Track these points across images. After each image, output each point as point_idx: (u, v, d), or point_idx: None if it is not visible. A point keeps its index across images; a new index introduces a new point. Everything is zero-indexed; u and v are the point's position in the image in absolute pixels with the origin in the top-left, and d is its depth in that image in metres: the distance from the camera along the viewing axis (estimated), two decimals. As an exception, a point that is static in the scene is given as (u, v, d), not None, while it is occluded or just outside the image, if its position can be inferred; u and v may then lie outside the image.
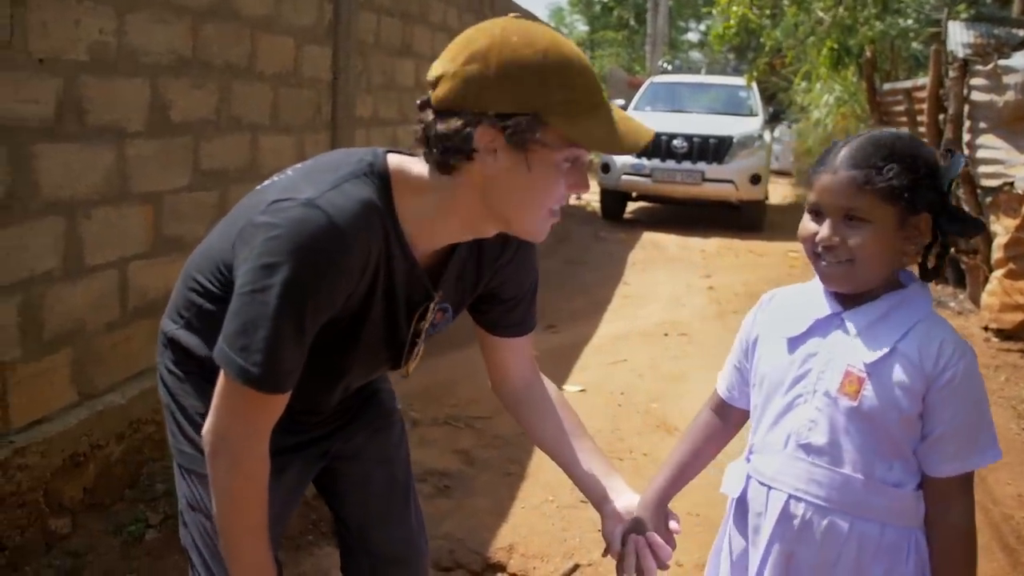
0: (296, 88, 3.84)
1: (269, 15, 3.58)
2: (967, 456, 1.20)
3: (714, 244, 8.35)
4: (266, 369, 1.07)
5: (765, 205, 9.45)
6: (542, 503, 2.83)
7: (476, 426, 3.41)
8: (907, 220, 1.20)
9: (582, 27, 31.83)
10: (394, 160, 1.17)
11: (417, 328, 1.28)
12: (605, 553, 1.38)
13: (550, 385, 1.49)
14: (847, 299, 1.25)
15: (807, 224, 1.25)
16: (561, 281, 6.08)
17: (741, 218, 9.18)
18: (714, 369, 4.85)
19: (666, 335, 5.01)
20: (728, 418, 1.43)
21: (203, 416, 1.18)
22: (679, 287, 6.39)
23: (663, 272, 6.97)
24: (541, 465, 3.11)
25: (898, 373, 1.19)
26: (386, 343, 1.27)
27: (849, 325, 1.24)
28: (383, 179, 1.15)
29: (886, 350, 1.20)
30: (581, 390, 3.88)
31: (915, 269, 1.29)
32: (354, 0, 4.42)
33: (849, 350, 1.22)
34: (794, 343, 1.28)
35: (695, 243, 8.38)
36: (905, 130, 1.17)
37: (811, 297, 1.30)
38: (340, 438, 1.45)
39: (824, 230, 1.21)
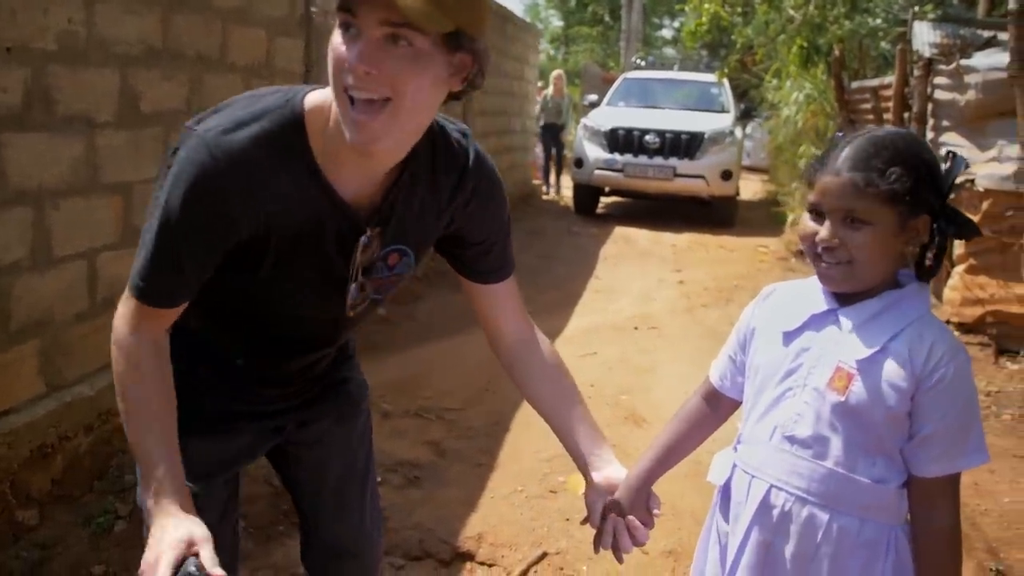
0: (268, 80, 3.83)
1: (241, 7, 3.56)
2: (954, 457, 1.20)
3: (685, 239, 8.44)
4: (146, 285, 1.17)
5: (736, 201, 9.55)
6: (511, 493, 2.87)
7: (447, 418, 3.44)
8: (907, 222, 1.20)
9: (557, 22, 31.87)
10: (314, 97, 1.17)
11: (359, 265, 1.24)
12: (584, 521, 1.41)
13: (547, 345, 1.46)
14: (843, 296, 1.26)
15: (807, 224, 1.25)
16: (533, 275, 6.12)
17: (712, 213, 9.27)
18: (683, 362, 4.92)
19: (636, 328, 5.07)
20: (717, 406, 1.44)
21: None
22: (650, 281, 6.46)
23: (634, 266, 7.04)
24: (511, 456, 3.14)
25: (888, 371, 1.19)
26: (323, 279, 1.25)
27: (844, 321, 1.25)
28: (297, 116, 1.15)
29: (877, 348, 1.20)
30: (551, 382, 3.92)
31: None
32: (327, -8, 4.40)
33: (841, 346, 1.23)
34: (789, 337, 1.29)
35: (666, 238, 8.45)
36: (908, 129, 1.16)
37: (809, 293, 1.30)
38: (296, 418, 1.45)
39: (824, 231, 1.21)
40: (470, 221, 1.34)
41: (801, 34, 9.00)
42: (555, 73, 11.64)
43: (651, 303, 5.79)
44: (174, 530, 1.09)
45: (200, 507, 1.17)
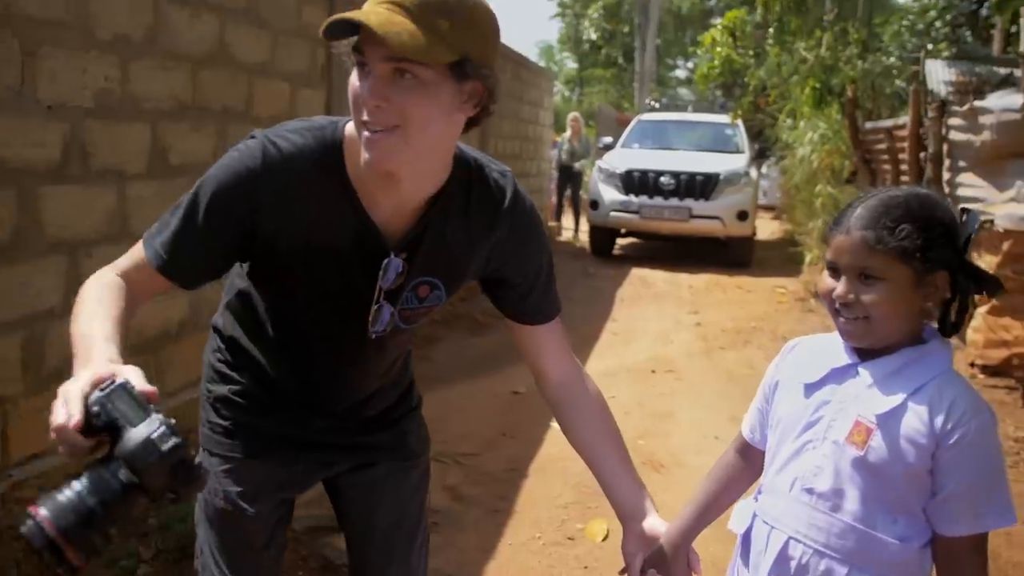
0: (291, 130, 3.94)
1: (265, 61, 3.69)
2: (978, 518, 1.18)
3: (702, 280, 8.46)
4: (156, 243, 1.25)
5: (752, 241, 9.58)
6: (529, 540, 2.88)
7: (464, 463, 3.46)
8: (924, 278, 1.21)
9: (571, 64, 32.32)
10: (352, 126, 1.24)
11: (381, 286, 1.29)
12: (623, 572, 1.42)
13: (592, 387, 1.47)
14: (865, 350, 1.27)
15: (825, 280, 1.27)
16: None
17: (728, 254, 9.30)
18: (701, 406, 4.91)
19: (653, 372, 5.09)
20: (751, 459, 1.44)
21: (222, 402, 1.39)
22: (667, 323, 6.48)
23: (651, 308, 7.07)
24: (529, 502, 3.16)
25: (907, 427, 1.19)
26: (346, 294, 1.30)
27: (864, 375, 1.25)
28: (337, 139, 1.24)
29: (897, 403, 1.20)
30: (569, 425, 3.94)
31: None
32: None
33: (861, 400, 1.24)
34: (810, 389, 1.30)
35: (683, 279, 8.49)
36: (924, 189, 1.18)
37: (831, 347, 1.32)
38: (351, 459, 1.49)
39: (840, 287, 1.23)
40: (508, 261, 1.37)
41: (814, 75, 9.12)
42: (571, 115, 11.78)
43: (668, 345, 5.81)
44: (95, 367, 0.99)
45: (248, 528, 1.21)
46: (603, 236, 9.72)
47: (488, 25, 1.16)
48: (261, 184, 1.21)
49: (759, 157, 10.94)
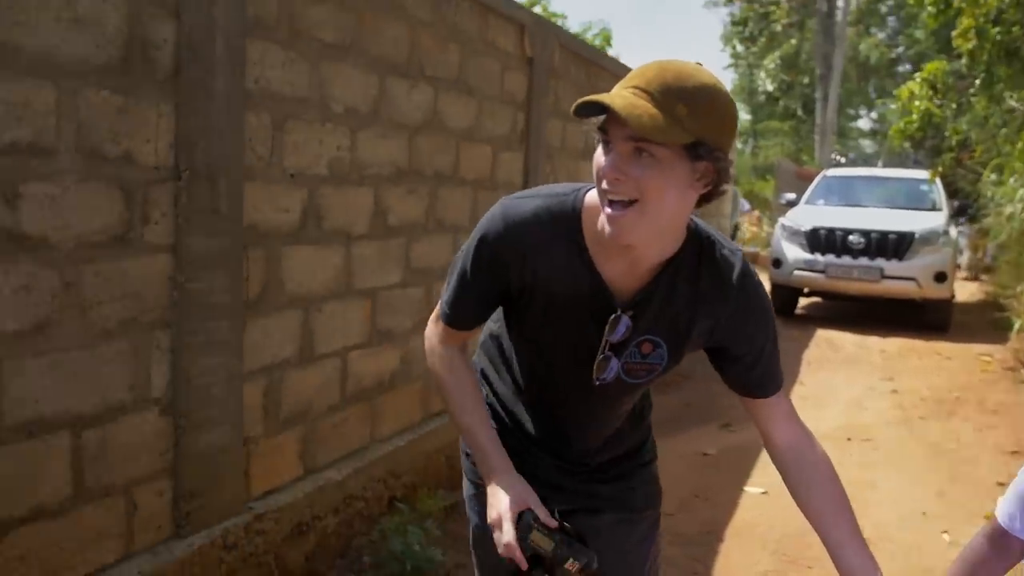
0: (492, 191, 4.15)
1: (471, 126, 3.92)
2: None
3: (895, 344, 7.99)
4: (450, 311, 1.49)
5: (951, 304, 8.96)
6: (728, 607, 2.82)
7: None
8: None
9: (744, 116, 31.74)
10: (592, 196, 1.38)
11: (607, 339, 1.40)
12: None
13: (820, 454, 1.48)
14: None
15: None
16: (733, 377, 6.01)
17: (924, 317, 8.75)
18: (905, 479, 4.65)
19: (849, 440, 4.85)
20: (1006, 548, 1.36)
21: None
22: (858, 389, 6.16)
23: (840, 373, 6.75)
24: (726, 567, 3.09)
25: None
26: (577, 340, 1.42)
27: None
28: (576, 206, 1.39)
29: None
30: (763, 492, 3.83)
31: None
32: (543, 109, 4.74)
33: None
34: None
35: (873, 342, 8.05)
36: None
37: None
38: (575, 503, 1.55)
39: None
40: (732, 335, 1.43)
41: (1025, 128, 8.47)
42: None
43: (862, 412, 5.52)
44: (509, 490, 1.37)
45: (497, 551, 1.38)
46: (785, 295, 9.40)
47: (725, 113, 1.25)
48: (506, 244, 1.38)
49: (957, 215, 10.27)
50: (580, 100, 1.22)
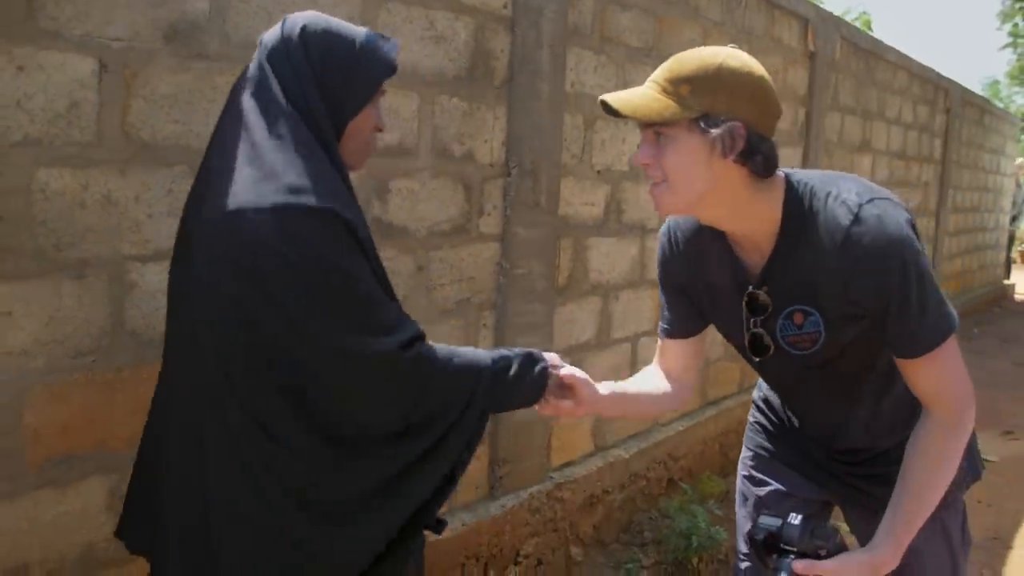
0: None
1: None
2: None
3: None
4: (661, 324, 1.68)
5: None
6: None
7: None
8: None
9: (1022, 101, 28.44)
10: None
11: (748, 315, 1.47)
12: None
13: (933, 427, 1.41)
14: None
15: None
16: (1013, 383, 5.57)
17: None
18: None
19: None
20: None
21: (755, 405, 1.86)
22: None
23: None
24: (1016, 574, 2.95)
25: None
26: (737, 322, 1.51)
27: None
28: None
29: None
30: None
31: None
32: (823, 104, 4.64)
33: None
34: None
35: None
36: None
37: None
38: (843, 490, 1.66)
39: None
40: (863, 292, 1.34)
41: None
42: (1018, 161, 10.52)
43: None
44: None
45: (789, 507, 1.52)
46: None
47: (735, 83, 1.30)
48: (671, 254, 1.58)
49: None
50: (600, 100, 1.36)
